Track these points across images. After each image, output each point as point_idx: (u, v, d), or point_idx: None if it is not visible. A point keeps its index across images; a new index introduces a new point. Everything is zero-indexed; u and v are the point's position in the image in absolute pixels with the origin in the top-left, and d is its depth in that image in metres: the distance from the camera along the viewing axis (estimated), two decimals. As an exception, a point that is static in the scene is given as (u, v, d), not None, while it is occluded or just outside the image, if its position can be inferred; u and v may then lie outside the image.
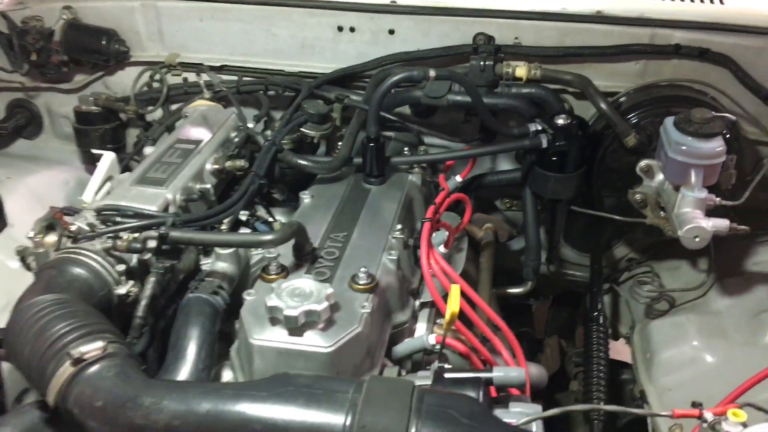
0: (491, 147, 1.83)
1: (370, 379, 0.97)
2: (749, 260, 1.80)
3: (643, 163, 1.66)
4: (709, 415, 1.07)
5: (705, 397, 1.16)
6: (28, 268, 1.37)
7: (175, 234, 1.29)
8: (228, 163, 1.62)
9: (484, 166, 2.05)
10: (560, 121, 1.71)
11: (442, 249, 1.61)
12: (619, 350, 2.07)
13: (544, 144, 1.70)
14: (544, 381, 1.59)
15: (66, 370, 0.97)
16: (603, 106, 1.73)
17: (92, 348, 0.99)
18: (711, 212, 1.56)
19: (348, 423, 0.90)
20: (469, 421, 0.90)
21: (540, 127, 1.73)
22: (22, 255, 1.35)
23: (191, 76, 2.02)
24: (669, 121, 1.59)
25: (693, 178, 1.54)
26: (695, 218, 1.52)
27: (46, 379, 0.99)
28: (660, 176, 1.64)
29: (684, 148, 1.53)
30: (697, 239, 1.51)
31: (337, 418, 0.91)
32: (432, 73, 1.58)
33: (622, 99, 1.84)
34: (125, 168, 1.75)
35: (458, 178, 1.82)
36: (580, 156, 1.74)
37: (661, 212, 1.65)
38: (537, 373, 1.60)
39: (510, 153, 1.98)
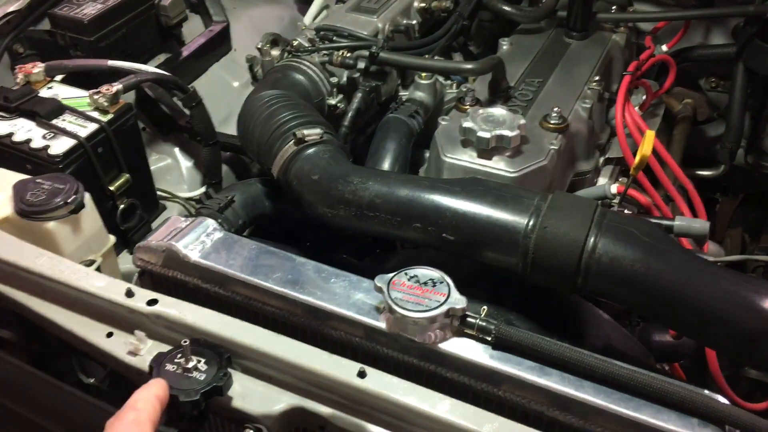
0: (706, 11, 1.71)
1: (556, 192, 1.02)
2: None
3: None
4: None
5: None
6: (254, 76, 1.55)
7: (384, 55, 1.39)
8: (434, 3, 1.67)
9: (695, 39, 1.92)
10: (794, -11, 1.56)
11: (637, 110, 1.58)
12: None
13: (772, 12, 1.57)
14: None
15: (290, 147, 1.13)
16: None
17: (312, 132, 1.13)
18: None
19: (531, 223, 0.97)
20: (648, 240, 0.93)
21: (769, -6, 1.59)
22: (251, 63, 1.53)
23: None
24: None
25: None
26: None
27: (273, 155, 1.16)
28: None
29: None
30: None
31: (521, 218, 0.97)
32: None
33: None
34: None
35: (664, 48, 1.75)
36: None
37: None
38: (715, 250, 1.57)
39: (725, 27, 1.84)
